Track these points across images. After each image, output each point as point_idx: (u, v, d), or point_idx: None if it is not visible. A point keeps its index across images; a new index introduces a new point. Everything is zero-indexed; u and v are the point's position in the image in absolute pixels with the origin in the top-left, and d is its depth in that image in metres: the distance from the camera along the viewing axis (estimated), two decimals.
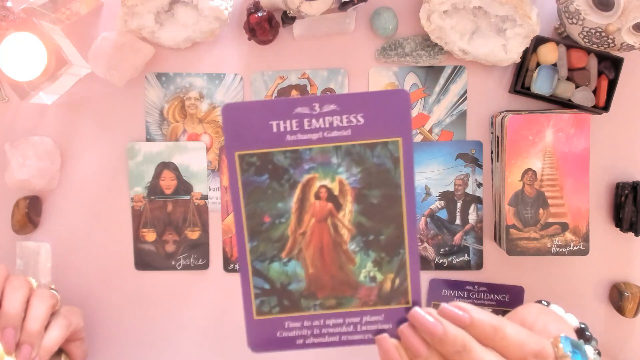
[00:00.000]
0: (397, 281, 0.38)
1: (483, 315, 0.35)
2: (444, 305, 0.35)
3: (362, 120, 0.36)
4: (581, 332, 0.40)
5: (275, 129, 0.36)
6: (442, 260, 0.62)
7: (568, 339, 0.36)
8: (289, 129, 0.36)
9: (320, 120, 0.36)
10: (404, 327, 0.36)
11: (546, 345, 0.35)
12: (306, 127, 0.36)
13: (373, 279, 0.38)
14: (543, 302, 0.46)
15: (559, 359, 0.35)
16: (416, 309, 0.36)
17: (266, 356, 0.64)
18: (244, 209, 0.37)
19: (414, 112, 0.62)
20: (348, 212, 0.38)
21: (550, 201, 0.57)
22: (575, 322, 0.42)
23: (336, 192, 0.37)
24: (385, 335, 0.37)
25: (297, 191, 0.37)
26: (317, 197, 0.38)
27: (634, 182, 0.60)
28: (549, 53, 0.58)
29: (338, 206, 0.38)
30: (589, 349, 0.38)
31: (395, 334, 0.37)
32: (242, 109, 0.36)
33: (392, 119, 0.36)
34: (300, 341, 0.38)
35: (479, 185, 0.62)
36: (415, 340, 0.35)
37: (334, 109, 0.36)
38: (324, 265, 0.38)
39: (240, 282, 0.38)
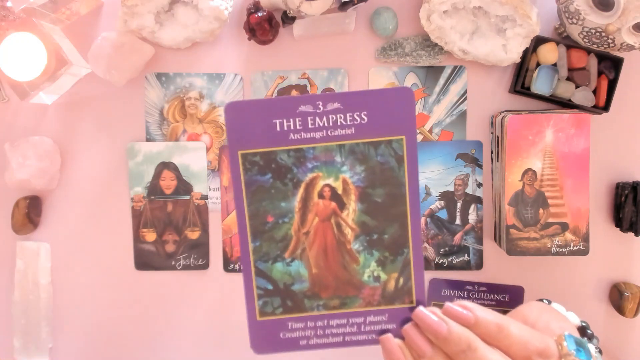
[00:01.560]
0: (401, 281, 0.37)
1: (487, 314, 0.35)
2: (448, 304, 0.35)
3: (365, 119, 0.36)
4: (582, 331, 0.40)
5: (278, 128, 0.36)
6: (442, 260, 0.62)
7: (572, 337, 0.36)
8: (292, 127, 0.36)
9: (324, 118, 0.36)
10: (408, 327, 0.36)
11: (550, 344, 0.35)
12: (310, 126, 0.36)
13: (377, 278, 0.38)
14: (544, 300, 0.46)
15: (563, 357, 0.35)
16: (420, 308, 0.36)
17: (268, 356, 0.64)
18: (247, 209, 0.37)
19: None
20: (352, 211, 0.37)
21: (550, 201, 0.57)
22: (576, 321, 0.42)
23: (340, 191, 0.37)
24: (389, 335, 0.37)
25: (301, 190, 0.37)
26: (321, 196, 0.37)
27: (634, 182, 0.60)
28: (549, 53, 0.58)
29: (342, 205, 0.37)
30: (590, 347, 0.38)
31: (399, 333, 0.37)
32: (245, 108, 0.36)
33: (396, 117, 0.36)
34: (303, 342, 0.38)
35: (479, 185, 0.62)
36: (419, 339, 0.35)
37: (338, 107, 0.36)
38: (328, 265, 0.38)
39: (243, 282, 0.37)
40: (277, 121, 0.36)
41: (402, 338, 0.36)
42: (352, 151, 0.37)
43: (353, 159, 0.37)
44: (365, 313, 0.38)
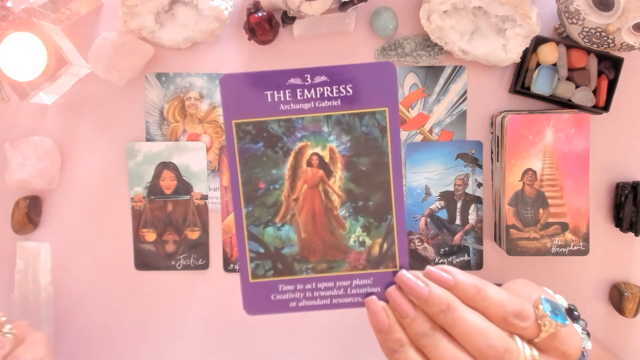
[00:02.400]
0: (385, 246, 0.39)
1: (466, 277, 0.36)
2: (429, 267, 0.37)
3: (351, 91, 0.38)
4: (570, 312, 0.41)
5: (269, 99, 0.38)
6: (442, 260, 0.62)
7: (548, 301, 0.37)
8: (282, 99, 0.38)
9: (312, 90, 0.38)
10: (392, 290, 0.38)
11: (527, 307, 0.36)
12: (299, 97, 0.38)
13: (362, 243, 0.39)
14: None
15: (539, 319, 0.36)
16: (403, 271, 0.38)
17: (267, 348, 0.64)
18: (240, 175, 0.39)
19: (414, 112, 0.62)
20: (338, 178, 0.39)
21: (550, 201, 0.57)
22: (563, 303, 0.43)
23: (327, 160, 0.39)
24: (373, 297, 0.38)
25: (290, 158, 0.39)
26: (309, 164, 0.39)
27: (634, 182, 0.60)
28: (549, 53, 0.58)
29: (329, 173, 0.39)
30: (577, 327, 0.39)
31: (383, 296, 0.38)
32: (239, 80, 0.38)
33: (379, 90, 0.38)
34: (293, 304, 0.39)
35: (479, 185, 0.62)
36: (402, 301, 0.37)
37: (325, 80, 0.38)
38: (316, 230, 0.39)
39: (237, 246, 0.39)
40: (268, 93, 0.38)
41: (387, 301, 0.38)
42: (338, 122, 0.38)
43: (339, 129, 0.39)
44: (352, 277, 0.39)
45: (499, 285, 0.40)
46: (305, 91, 0.38)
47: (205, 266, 0.63)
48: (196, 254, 0.63)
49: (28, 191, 0.63)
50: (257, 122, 0.38)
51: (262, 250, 0.39)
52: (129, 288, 0.63)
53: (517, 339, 0.36)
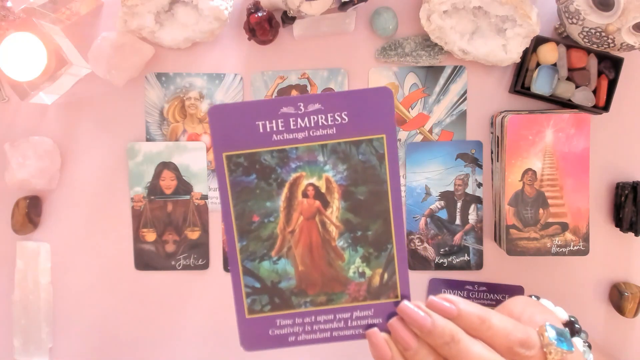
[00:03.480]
0: (386, 276, 0.38)
1: (470, 307, 0.35)
2: (432, 297, 0.36)
3: (346, 119, 0.37)
4: (570, 325, 0.40)
5: (261, 129, 0.37)
6: (442, 260, 0.62)
7: (553, 327, 0.36)
8: (275, 128, 0.37)
9: (306, 119, 0.37)
10: (394, 321, 0.37)
11: (532, 334, 0.35)
12: (292, 127, 0.37)
13: (362, 274, 0.38)
14: (533, 296, 0.46)
15: (544, 347, 0.35)
16: (405, 302, 0.37)
17: (264, 356, 0.64)
18: (232, 209, 0.38)
19: (414, 112, 0.62)
20: (335, 209, 0.38)
21: (550, 201, 0.57)
22: (564, 315, 0.42)
23: (323, 190, 0.38)
24: (375, 329, 0.37)
25: (285, 190, 0.38)
26: (305, 195, 0.38)
27: (634, 182, 0.60)
28: (549, 53, 0.58)
29: (325, 203, 0.38)
30: (578, 341, 0.39)
31: (385, 328, 0.37)
32: (229, 110, 0.37)
33: (376, 116, 0.37)
34: (292, 338, 0.39)
35: (479, 185, 0.62)
36: (404, 333, 0.36)
37: (319, 108, 0.37)
38: (314, 262, 0.38)
39: (232, 281, 0.38)
40: (260, 123, 0.37)
41: (388, 332, 0.37)
42: (334, 150, 0.37)
43: (335, 158, 0.38)
44: (352, 308, 0.38)
45: (496, 306, 0.39)
46: (299, 120, 0.37)
47: (205, 266, 0.63)
48: (196, 254, 0.63)
49: (28, 191, 0.63)
50: (249, 153, 0.37)
51: (258, 285, 0.38)
52: (129, 288, 0.63)
53: None
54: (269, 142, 0.37)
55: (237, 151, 0.37)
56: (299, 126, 0.37)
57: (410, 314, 0.36)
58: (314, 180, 0.38)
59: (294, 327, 0.38)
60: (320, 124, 0.37)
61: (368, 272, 0.38)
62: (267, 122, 0.37)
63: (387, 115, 0.37)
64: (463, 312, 0.35)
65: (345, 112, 0.37)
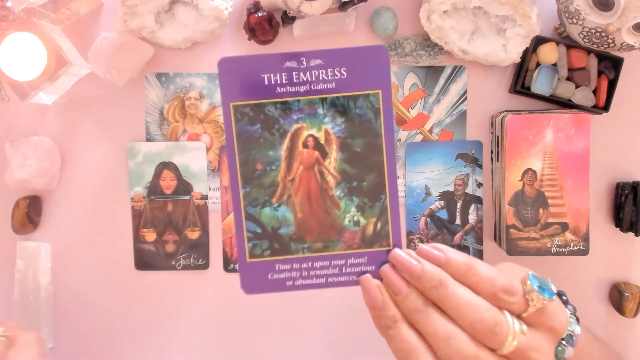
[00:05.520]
0: (379, 225, 0.40)
1: (457, 255, 0.37)
2: (421, 245, 0.38)
3: (345, 74, 0.39)
4: (558, 297, 0.41)
5: (266, 82, 0.39)
6: None
7: (535, 277, 0.38)
8: (279, 81, 0.39)
9: (307, 73, 0.39)
10: (385, 268, 0.38)
11: (515, 283, 0.37)
12: (294, 80, 0.39)
13: (357, 223, 0.40)
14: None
15: (527, 293, 0.37)
16: (396, 250, 0.39)
17: (265, 347, 0.64)
18: (237, 157, 0.39)
19: (414, 112, 0.62)
20: (333, 160, 0.40)
21: (550, 201, 0.57)
22: (552, 288, 0.43)
23: (322, 141, 0.40)
24: (368, 275, 0.39)
25: (287, 140, 0.39)
26: (305, 145, 0.40)
27: (634, 182, 0.60)
28: (549, 53, 0.58)
29: (324, 154, 0.40)
30: (567, 308, 0.40)
31: (377, 275, 0.39)
32: (237, 63, 0.38)
33: (373, 73, 0.39)
34: (290, 283, 0.40)
35: (479, 185, 0.62)
36: (395, 278, 0.38)
37: (320, 63, 0.39)
38: (312, 210, 0.40)
39: (235, 226, 0.40)
40: (265, 76, 0.39)
41: (381, 279, 0.38)
42: (333, 104, 0.39)
43: (334, 111, 0.39)
44: (346, 256, 0.40)
45: None
46: (301, 74, 0.39)
47: (205, 266, 0.63)
48: (196, 254, 0.63)
49: (28, 191, 0.63)
50: (255, 104, 0.39)
51: (259, 230, 0.40)
52: (129, 288, 0.63)
53: (507, 313, 0.36)
54: (273, 94, 0.39)
55: (244, 101, 0.39)
56: (301, 80, 0.39)
57: (401, 261, 0.38)
58: (313, 131, 0.39)
59: (292, 272, 0.40)
60: (320, 78, 0.39)
61: (362, 221, 0.40)
62: (272, 75, 0.39)
63: (383, 72, 0.39)
64: (451, 259, 0.37)
65: (344, 68, 0.39)
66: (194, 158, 0.62)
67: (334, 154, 0.40)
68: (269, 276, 0.40)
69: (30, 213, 0.61)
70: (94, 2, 0.61)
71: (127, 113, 0.62)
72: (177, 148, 0.62)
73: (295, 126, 0.39)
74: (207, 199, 0.63)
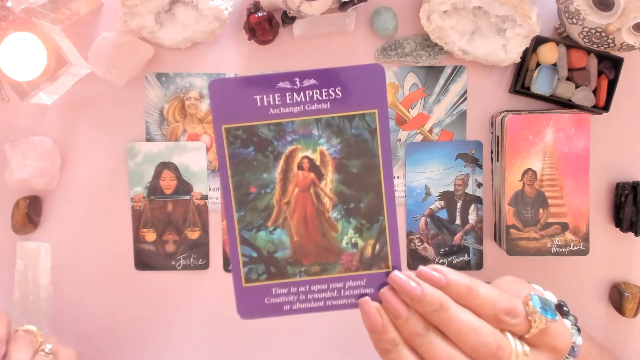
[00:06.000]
0: (377, 247, 0.39)
1: (458, 277, 0.37)
2: (421, 267, 0.37)
3: (340, 94, 0.38)
4: (559, 308, 0.41)
5: (259, 103, 0.38)
6: (442, 260, 0.62)
7: (537, 297, 0.37)
8: (272, 102, 0.38)
9: (301, 94, 0.38)
10: (385, 290, 0.38)
11: (517, 304, 0.37)
12: (288, 101, 0.38)
13: (354, 245, 0.39)
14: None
15: (529, 315, 0.36)
16: (395, 272, 0.38)
17: (264, 353, 0.64)
18: (231, 180, 0.39)
19: (414, 112, 0.62)
20: (329, 181, 0.39)
21: (550, 201, 0.57)
22: (553, 299, 0.43)
23: (318, 163, 0.39)
24: (367, 298, 0.38)
25: (281, 162, 0.39)
26: (300, 167, 0.39)
27: (634, 182, 0.60)
28: (549, 53, 0.58)
29: (320, 176, 0.39)
30: (566, 322, 0.40)
31: (376, 297, 0.38)
32: (228, 84, 0.38)
33: (368, 92, 0.38)
34: (287, 307, 0.40)
35: (479, 185, 0.62)
36: (395, 302, 0.37)
37: (314, 83, 0.38)
38: (308, 233, 0.39)
39: (229, 251, 0.39)
40: (258, 97, 0.38)
41: (380, 302, 0.38)
42: (328, 124, 0.39)
43: (329, 132, 0.39)
44: (345, 278, 0.39)
45: (488, 283, 0.40)
46: (295, 95, 0.38)
47: (205, 266, 0.63)
48: (196, 254, 0.63)
49: (28, 191, 0.63)
50: (247, 126, 0.38)
51: (254, 254, 0.39)
52: (129, 288, 0.63)
53: (509, 335, 0.36)
54: (266, 116, 0.38)
55: (236, 124, 0.38)
56: (294, 100, 0.38)
57: (400, 283, 0.37)
58: (308, 153, 0.39)
59: (289, 296, 0.40)
60: (315, 98, 0.38)
61: (360, 243, 0.39)
62: (265, 96, 0.38)
63: (379, 90, 0.38)
64: (451, 281, 0.36)
65: (339, 88, 0.38)
66: (194, 158, 0.62)
67: (330, 176, 0.39)
68: (266, 300, 0.39)
69: (30, 213, 0.61)
70: (94, 2, 0.61)
71: (127, 113, 0.62)
72: (177, 148, 0.62)
73: (289, 148, 0.39)
74: (207, 199, 0.63)
